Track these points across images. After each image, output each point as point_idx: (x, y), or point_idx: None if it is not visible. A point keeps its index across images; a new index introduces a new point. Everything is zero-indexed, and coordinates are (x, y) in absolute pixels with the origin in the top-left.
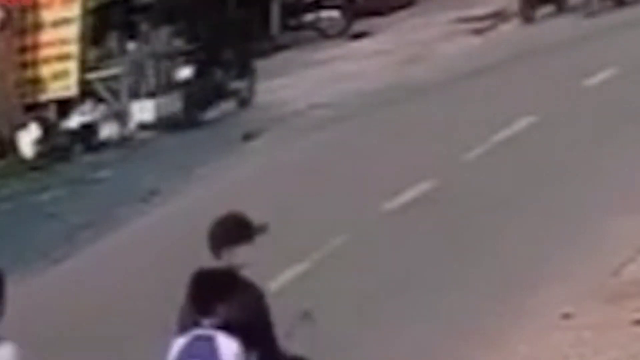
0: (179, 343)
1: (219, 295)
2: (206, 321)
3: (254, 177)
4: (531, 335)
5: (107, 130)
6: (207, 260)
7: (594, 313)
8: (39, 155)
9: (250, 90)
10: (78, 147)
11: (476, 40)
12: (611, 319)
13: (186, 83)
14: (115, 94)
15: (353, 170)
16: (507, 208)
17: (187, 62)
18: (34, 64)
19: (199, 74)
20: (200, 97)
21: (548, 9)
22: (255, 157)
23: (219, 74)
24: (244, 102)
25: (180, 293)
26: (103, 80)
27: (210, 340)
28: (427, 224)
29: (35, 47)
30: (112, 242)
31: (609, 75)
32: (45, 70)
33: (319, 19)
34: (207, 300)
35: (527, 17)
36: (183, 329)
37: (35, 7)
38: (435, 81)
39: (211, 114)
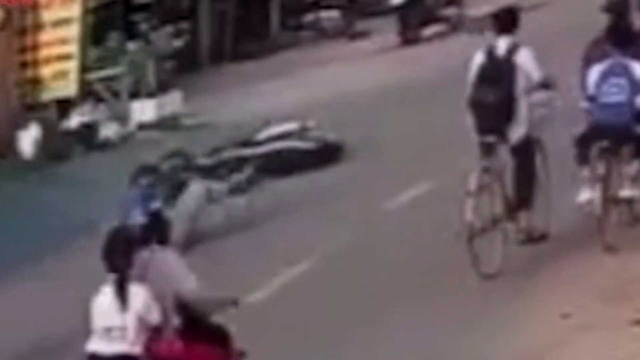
0: (599, 67)
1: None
2: (619, 52)
3: None
4: (531, 334)
5: (107, 130)
6: None
7: (594, 313)
8: (39, 155)
9: (460, 17)
10: (78, 147)
11: (476, 40)
12: (611, 319)
13: (400, 8)
14: (115, 94)
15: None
16: None
17: None
18: (34, 64)
19: (411, 1)
20: (411, 21)
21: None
22: None
23: (429, 1)
24: (455, 27)
25: None
26: (103, 80)
27: (625, 65)
28: (424, 221)
29: (35, 47)
30: None
31: None
32: (45, 70)
33: (319, 19)
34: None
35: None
36: (593, 61)
37: (35, 7)
38: (435, 81)
39: (426, 33)
